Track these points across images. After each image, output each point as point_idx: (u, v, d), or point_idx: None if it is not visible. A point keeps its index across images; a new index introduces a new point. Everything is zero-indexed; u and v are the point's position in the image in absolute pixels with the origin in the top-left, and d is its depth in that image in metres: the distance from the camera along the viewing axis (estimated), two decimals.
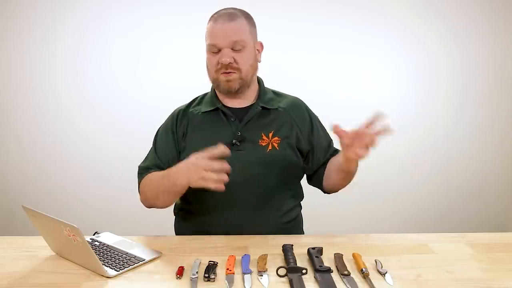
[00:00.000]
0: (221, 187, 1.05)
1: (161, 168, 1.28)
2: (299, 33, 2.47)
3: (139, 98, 2.49)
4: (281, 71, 2.29)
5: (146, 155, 1.37)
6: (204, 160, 1.07)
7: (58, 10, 2.42)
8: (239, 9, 1.27)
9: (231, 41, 1.20)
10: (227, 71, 1.22)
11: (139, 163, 1.35)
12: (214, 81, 1.27)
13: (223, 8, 1.26)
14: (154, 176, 1.24)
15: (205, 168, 1.06)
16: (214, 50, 1.22)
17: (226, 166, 1.06)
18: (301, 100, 1.40)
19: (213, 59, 1.23)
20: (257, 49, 1.29)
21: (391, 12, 2.48)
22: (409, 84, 2.56)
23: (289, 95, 1.40)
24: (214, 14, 1.25)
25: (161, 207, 1.27)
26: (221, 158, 1.24)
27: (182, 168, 1.12)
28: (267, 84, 1.39)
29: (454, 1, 2.49)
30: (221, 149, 1.07)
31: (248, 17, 1.26)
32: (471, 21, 2.51)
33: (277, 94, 1.39)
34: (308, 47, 2.48)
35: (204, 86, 1.39)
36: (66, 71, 2.47)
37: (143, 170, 1.31)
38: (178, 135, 1.31)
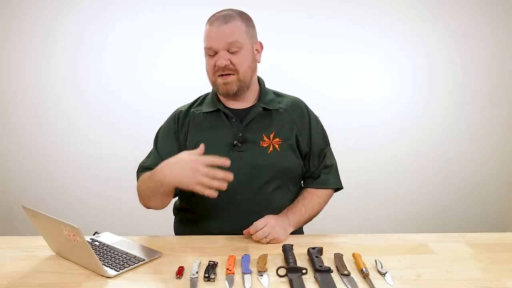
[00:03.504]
0: (214, 194, 1.05)
1: None
2: (299, 33, 2.47)
3: (139, 98, 2.49)
4: (281, 71, 2.29)
5: (147, 155, 1.36)
6: (203, 165, 1.06)
7: (58, 10, 2.42)
8: (237, 11, 1.26)
9: (226, 43, 1.19)
10: (224, 73, 1.22)
11: (139, 163, 1.34)
12: (213, 84, 1.28)
13: (221, 9, 1.26)
14: (144, 177, 1.23)
15: (207, 174, 1.05)
16: (210, 53, 1.22)
17: (229, 175, 1.06)
18: (302, 101, 1.39)
19: (210, 62, 1.23)
20: (256, 49, 1.28)
21: (391, 12, 2.48)
22: (409, 85, 2.56)
23: (290, 96, 1.40)
24: (211, 17, 1.25)
25: (155, 208, 1.26)
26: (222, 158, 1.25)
27: (173, 167, 1.10)
28: (267, 85, 1.39)
29: (454, 2, 2.49)
30: (223, 160, 1.07)
31: (245, 18, 1.25)
32: (471, 22, 2.51)
33: (277, 94, 1.38)
34: (308, 47, 2.48)
35: (204, 86, 1.39)
36: (66, 71, 2.47)
37: (142, 170, 1.30)
38: (181, 135, 1.31)
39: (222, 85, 1.24)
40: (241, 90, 1.26)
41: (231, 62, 1.21)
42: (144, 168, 1.30)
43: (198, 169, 1.06)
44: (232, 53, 1.21)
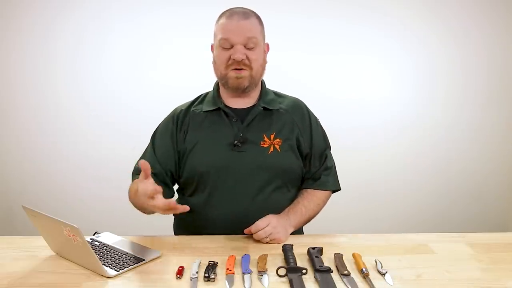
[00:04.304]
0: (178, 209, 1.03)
1: (156, 168, 1.27)
2: (299, 33, 2.47)
3: (139, 98, 2.49)
4: (281, 71, 2.29)
5: (143, 153, 1.36)
6: (142, 188, 1.04)
7: (58, 10, 2.42)
8: (251, 10, 1.27)
9: (245, 38, 1.20)
10: (239, 67, 1.21)
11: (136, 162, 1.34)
12: (223, 77, 1.26)
13: (234, 6, 1.26)
14: (133, 189, 1.19)
15: (146, 196, 1.03)
16: (226, 45, 1.21)
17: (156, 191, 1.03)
18: (302, 101, 1.39)
19: (224, 54, 1.22)
20: (264, 50, 1.29)
21: (391, 12, 2.48)
22: (409, 85, 2.56)
23: (290, 96, 1.40)
24: (226, 11, 1.25)
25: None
26: (223, 158, 1.25)
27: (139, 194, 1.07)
28: (267, 85, 1.39)
29: (454, 2, 2.49)
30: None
31: (258, 17, 1.28)
32: (471, 21, 2.51)
33: (278, 95, 1.39)
34: (308, 47, 2.49)
35: (204, 86, 1.39)
36: (66, 71, 2.47)
37: (137, 172, 1.28)
38: (179, 136, 1.30)
39: (234, 79, 1.23)
40: (250, 86, 1.26)
41: (247, 58, 1.21)
42: (139, 170, 1.28)
43: (140, 193, 1.05)
44: (248, 48, 1.21)
